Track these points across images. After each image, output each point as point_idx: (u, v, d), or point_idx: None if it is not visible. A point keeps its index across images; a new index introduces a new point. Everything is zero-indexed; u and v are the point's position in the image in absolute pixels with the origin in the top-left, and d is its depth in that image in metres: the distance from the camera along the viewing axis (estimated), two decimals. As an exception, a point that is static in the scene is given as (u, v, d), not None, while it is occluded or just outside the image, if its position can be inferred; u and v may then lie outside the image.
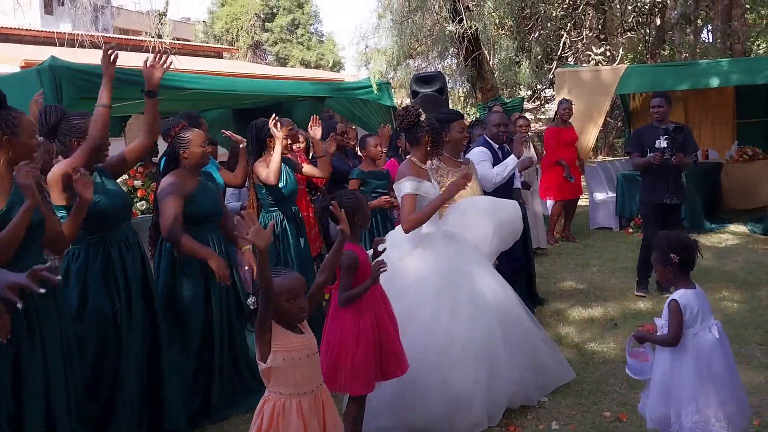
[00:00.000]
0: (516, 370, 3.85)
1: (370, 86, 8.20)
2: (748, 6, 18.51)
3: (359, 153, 6.26)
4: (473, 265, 4.01)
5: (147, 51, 10.61)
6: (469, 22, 11.12)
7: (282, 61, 35.59)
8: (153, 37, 12.55)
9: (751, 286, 6.26)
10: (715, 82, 9.16)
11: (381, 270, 3.23)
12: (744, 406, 3.12)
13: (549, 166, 8.66)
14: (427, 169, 4.20)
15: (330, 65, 36.80)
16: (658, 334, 3.15)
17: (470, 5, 11.84)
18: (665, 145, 5.90)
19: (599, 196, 9.62)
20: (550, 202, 8.83)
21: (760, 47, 24.45)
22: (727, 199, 10.09)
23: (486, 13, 12.86)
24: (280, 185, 4.78)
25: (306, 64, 35.07)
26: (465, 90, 16.05)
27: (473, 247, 4.13)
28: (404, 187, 3.96)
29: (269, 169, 4.68)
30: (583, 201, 9.60)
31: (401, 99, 14.58)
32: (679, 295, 3.09)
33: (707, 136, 10.85)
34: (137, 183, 5.98)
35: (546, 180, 8.67)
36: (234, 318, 4.19)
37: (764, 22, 23.77)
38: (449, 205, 4.34)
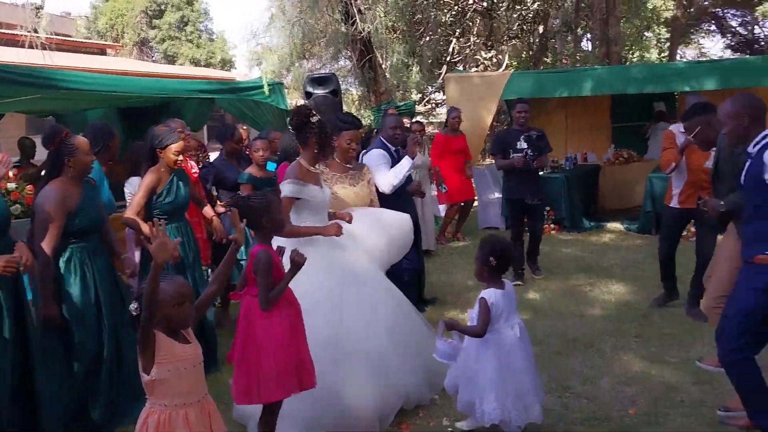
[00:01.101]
0: (409, 373, 3.90)
1: (263, 86, 8.06)
2: (623, 16, 19.64)
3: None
4: (362, 272, 4.00)
5: (22, 46, 9.99)
6: (361, 24, 11.19)
7: (170, 59, 34.49)
8: (29, 31, 11.80)
9: (628, 282, 6.65)
10: (593, 89, 9.63)
11: (303, 259, 3.20)
12: (539, 395, 3.52)
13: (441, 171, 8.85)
14: (317, 173, 4.11)
15: (221, 64, 36.01)
16: (468, 324, 3.50)
17: (362, 8, 11.93)
18: (525, 146, 6.54)
19: (487, 197, 9.93)
20: (443, 206, 9.05)
21: (635, 55, 26.09)
22: (604, 199, 10.65)
23: (378, 17, 13.00)
24: (169, 200, 4.53)
25: (195, 63, 34.15)
26: (359, 92, 16.15)
27: (362, 252, 4.12)
28: (284, 189, 3.89)
29: (131, 204, 4.48)
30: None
31: (295, 100, 14.48)
32: (489, 294, 3.45)
33: (586, 140, 11.41)
34: (11, 186, 5.59)
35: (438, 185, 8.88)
36: (122, 326, 4.01)
37: (638, 32, 25.40)
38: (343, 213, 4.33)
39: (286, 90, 9.38)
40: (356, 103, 17.20)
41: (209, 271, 5.53)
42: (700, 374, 4.36)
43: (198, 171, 5.84)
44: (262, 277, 3.15)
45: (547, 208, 9.19)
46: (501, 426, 3.43)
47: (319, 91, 8.97)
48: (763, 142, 3.32)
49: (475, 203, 9.63)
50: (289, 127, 4.93)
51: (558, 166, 9.91)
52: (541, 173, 8.67)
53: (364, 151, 5.94)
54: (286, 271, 3.26)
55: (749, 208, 3.42)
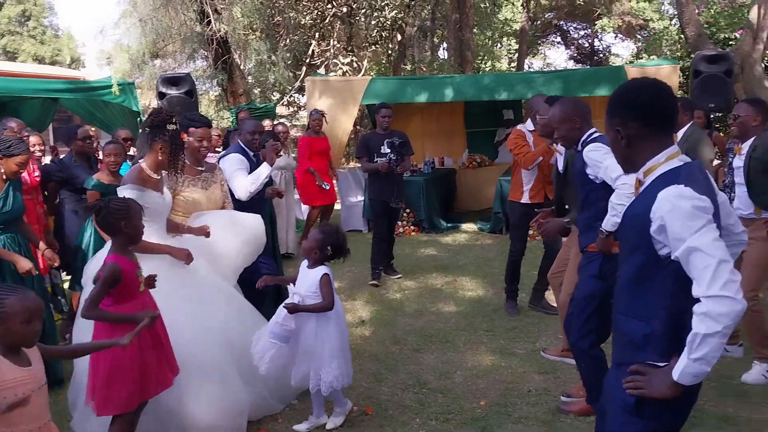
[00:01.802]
0: (253, 384, 3.84)
1: (112, 86, 7.68)
2: (476, 25, 20.54)
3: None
4: (200, 281, 3.87)
5: None
6: (218, 24, 10.94)
7: (10, 56, 31.98)
8: None
9: (480, 279, 6.95)
10: (448, 96, 10.02)
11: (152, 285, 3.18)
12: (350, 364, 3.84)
13: (303, 173, 8.83)
14: (158, 179, 3.88)
15: (68, 62, 33.86)
16: (315, 302, 3.66)
17: (218, 8, 11.67)
18: (388, 150, 6.76)
19: (350, 200, 10.03)
20: (305, 208, 9.03)
21: (487, 64, 27.37)
22: (460, 201, 11.11)
23: (235, 17, 12.77)
24: (6, 209, 4.16)
25: (39, 60, 31.88)
26: (216, 93, 15.78)
27: (203, 260, 3.99)
28: (123, 194, 3.63)
29: None
30: (336, 205, 9.93)
31: (149, 101, 13.91)
32: (326, 269, 3.74)
33: (443, 145, 11.83)
34: None
35: (301, 187, 8.84)
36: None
37: (490, 42, 26.67)
38: (191, 219, 4.20)
39: (138, 90, 9.00)
40: (214, 104, 16.79)
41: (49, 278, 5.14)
42: (545, 364, 4.63)
43: (39, 173, 5.45)
44: (97, 288, 3.01)
45: (407, 210, 9.45)
46: (331, 397, 3.74)
47: (174, 92, 8.67)
48: (588, 140, 3.60)
49: (338, 206, 9.69)
50: (142, 129, 4.72)
51: (417, 170, 10.20)
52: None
53: (222, 153, 5.79)
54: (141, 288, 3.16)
55: (579, 202, 3.69)
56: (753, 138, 4.36)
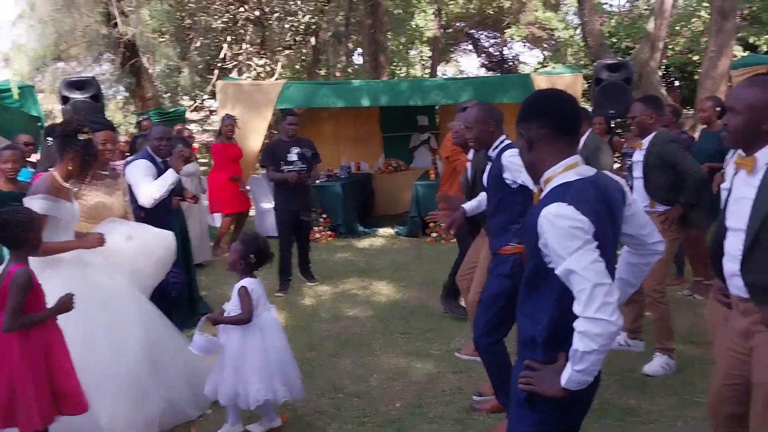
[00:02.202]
0: (168, 393, 3.75)
1: (10, 90, 7.31)
2: (389, 30, 20.75)
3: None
4: (111, 292, 3.76)
5: None
6: (124, 27, 10.60)
7: None
8: None
9: (396, 282, 7.02)
10: (363, 101, 10.08)
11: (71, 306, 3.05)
12: (297, 374, 3.76)
13: (214, 180, 8.67)
14: (69, 188, 3.77)
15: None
16: (233, 315, 3.65)
17: (125, 10, 11.31)
18: (296, 159, 6.63)
19: (265, 205, 9.91)
20: (218, 216, 8.86)
21: (402, 71, 27.70)
22: (377, 205, 11.19)
23: (143, 20, 12.41)
24: None
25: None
26: (123, 98, 15.27)
27: (113, 270, 3.88)
28: (34, 204, 3.48)
29: None
30: (251, 211, 9.80)
31: (52, 105, 13.31)
32: (247, 282, 3.70)
33: (359, 150, 11.86)
34: None
35: (214, 194, 8.67)
36: None
37: (404, 49, 27.00)
38: (98, 228, 4.05)
39: (39, 94, 8.60)
40: (121, 108, 16.25)
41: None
42: (459, 364, 4.72)
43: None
44: (15, 298, 2.88)
45: (324, 216, 9.43)
46: (259, 410, 3.67)
47: (78, 96, 8.34)
48: (502, 146, 3.71)
49: (252, 212, 9.57)
50: (47, 138, 4.53)
51: (333, 175, 10.19)
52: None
53: (129, 159, 5.61)
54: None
55: (491, 206, 3.78)
56: (652, 134, 4.59)
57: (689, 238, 5.78)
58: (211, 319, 3.65)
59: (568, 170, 2.07)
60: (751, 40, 12.59)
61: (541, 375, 2.05)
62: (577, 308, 1.92)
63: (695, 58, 12.90)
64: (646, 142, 4.60)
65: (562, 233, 1.92)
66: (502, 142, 3.75)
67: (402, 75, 26.88)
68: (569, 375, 1.96)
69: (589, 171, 2.11)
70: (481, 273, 4.26)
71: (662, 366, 4.51)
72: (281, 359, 3.66)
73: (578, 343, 1.92)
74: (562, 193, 2.00)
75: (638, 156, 4.67)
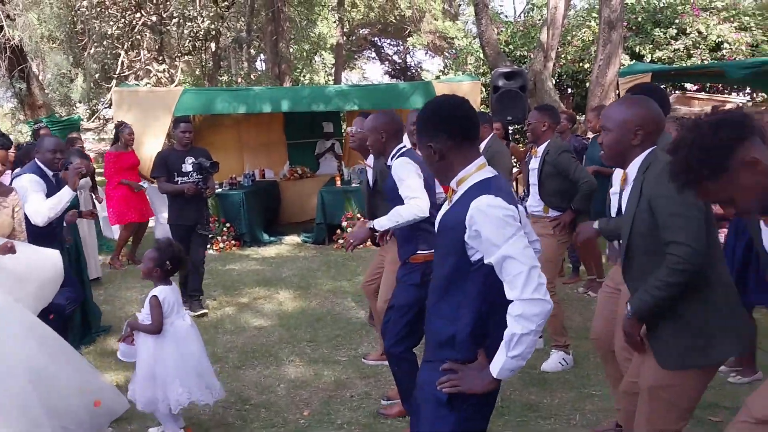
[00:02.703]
0: (60, 417, 3.57)
1: None
2: (292, 38, 20.65)
3: None
4: None
5: None
6: (11, 31, 10.05)
7: None
8: None
9: (303, 290, 6.97)
10: (265, 107, 9.97)
11: None
12: (213, 378, 3.78)
13: (112, 191, 8.35)
14: None
15: None
16: (144, 324, 3.64)
17: (12, 14, 10.74)
18: (191, 169, 6.20)
19: (164, 215, 9.61)
20: (117, 228, 8.54)
21: (306, 77, 27.62)
22: (283, 213, 11.07)
23: (31, 24, 11.81)
24: None
25: None
26: (12, 106, 14.47)
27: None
28: None
29: None
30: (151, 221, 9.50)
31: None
32: (159, 291, 3.67)
33: (263, 157, 11.72)
34: None
35: (110, 205, 8.36)
36: None
37: (307, 55, 26.94)
38: None
39: None
40: (8, 117, 15.38)
41: None
42: (366, 369, 4.75)
43: None
44: None
45: (227, 225, 9.26)
46: (163, 419, 3.65)
47: (-41, 104, 7.84)
48: (398, 155, 3.76)
49: (152, 222, 9.28)
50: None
51: (237, 183, 10.02)
52: (220, 190, 9.07)
53: (16, 173, 5.27)
54: None
55: None
56: (547, 142, 4.79)
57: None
58: (130, 325, 3.67)
59: (480, 169, 2.19)
60: (636, 50, 13.31)
61: (465, 375, 2.10)
62: (512, 293, 2.00)
63: (586, 66, 13.50)
64: (541, 150, 4.80)
65: (497, 222, 2.02)
66: (399, 150, 3.81)
67: (306, 82, 26.81)
68: (503, 363, 2.02)
69: (494, 171, 2.23)
70: (387, 279, 4.30)
71: (559, 362, 4.69)
72: (199, 365, 3.68)
73: (515, 327, 1.99)
74: (486, 187, 2.11)
75: (534, 164, 4.87)
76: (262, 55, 22.24)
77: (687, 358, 2.46)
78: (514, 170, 8.30)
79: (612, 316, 3.38)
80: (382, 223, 3.54)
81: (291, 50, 20.22)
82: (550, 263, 4.72)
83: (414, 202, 3.45)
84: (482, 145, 5.47)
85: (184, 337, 3.69)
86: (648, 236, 2.51)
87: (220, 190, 9.50)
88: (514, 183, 8.32)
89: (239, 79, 19.55)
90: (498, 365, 2.04)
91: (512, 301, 2.02)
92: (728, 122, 1.86)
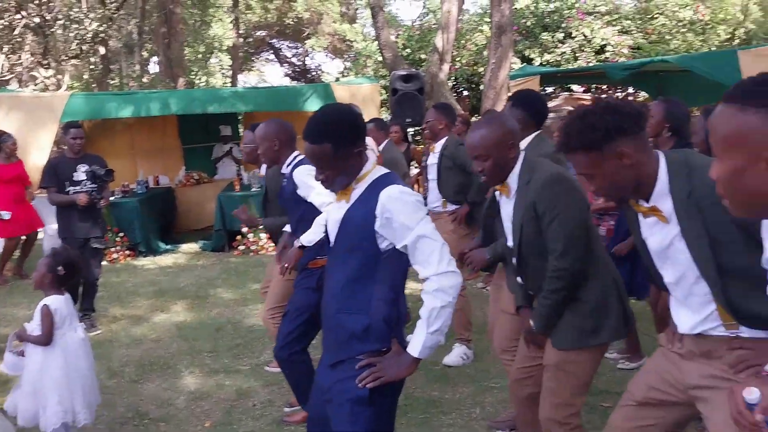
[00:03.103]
0: None
1: None
2: (186, 41, 20.12)
3: None
4: None
5: None
6: None
7: None
8: None
9: (202, 300, 6.80)
10: (156, 109, 9.65)
11: None
12: (97, 396, 3.64)
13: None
14: None
15: None
16: (33, 334, 3.46)
17: None
18: (84, 178, 5.90)
19: (53, 227, 9.14)
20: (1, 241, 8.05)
21: (202, 80, 26.99)
22: (180, 220, 10.76)
23: None
24: None
25: None
26: None
27: None
28: None
29: None
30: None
31: None
32: (50, 300, 3.49)
33: (157, 163, 11.33)
34: None
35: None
36: None
37: (202, 57, 26.33)
38: None
39: None
40: None
41: None
42: (269, 377, 4.68)
43: None
44: None
45: (121, 234, 8.91)
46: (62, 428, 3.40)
47: None
48: (293, 163, 3.74)
49: (40, 234, 8.79)
50: None
51: (129, 191, 9.66)
52: (112, 199, 8.67)
53: None
54: None
55: (293, 222, 3.80)
56: (445, 138, 4.91)
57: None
58: (18, 336, 3.47)
59: (375, 167, 2.29)
60: (526, 53, 13.84)
61: (384, 364, 2.16)
62: (428, 270, 2.12)
63: (480, 69, 13.90)
64: (438, 146, 4.91)
65: (411, 206, 2.14)
66: (295, 158, 3.77)
67: (202, 84, 26.21)
68: (423, 341, 2.11)
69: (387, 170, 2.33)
70: (274, 287, 4.28)
71: (461, 356, 4.80)
72: (84, 381, 3.50)
73: (434, 301, 2.10)
74: (390, 179, 2.22)
75: (432, 159, 4.98)
76: (155, 57, 21.53)
77: (579, 339, 2.65)
78: (415, 172, 8.43)
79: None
80: (310, 238, 3.50)
81: (185, 52, 19.68)
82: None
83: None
84: (379, 150, 5.53)
85: (75, 351, 3.51)
86: (537, 240, 2.67)
87: (112, 198, 9.13)
88: (415, 186, 8.45)
89: (131, 83, 18.86)
90: (419, 344, 2.12)
91: (427, 278, 2.13)
92: (622, 112, 1.99)
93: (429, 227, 2.14)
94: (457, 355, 4.81)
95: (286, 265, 3.62)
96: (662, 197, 2.02)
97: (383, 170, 2.29)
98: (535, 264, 2.72)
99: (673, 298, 2.14)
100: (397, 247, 2.16)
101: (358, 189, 2.25)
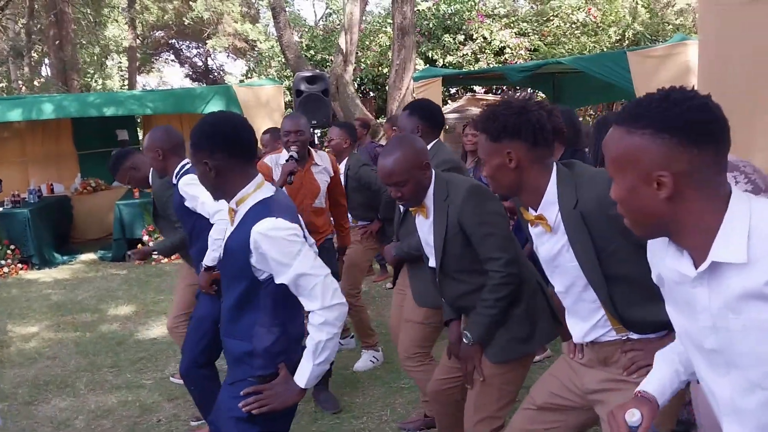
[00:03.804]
0: None
1: None
2: (79, 43, 19.25)
3: None
4: None
5: None
6: None
7: None
8: None
9: (102, 313, 6.51)
10: (48, 112, 9.16)
11: None
12: None
13: None
14: None
15: None
16: None
17: None
18: None
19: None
20: None
21: (98, 83, 25.90)
22: (77, 230, 10.25)
23: None
24: None
25: None
26: None
27: None
28: None
29: None
30: None
31: None
32: None
33: (51, 170, 10.77)
34: None
35: None
36: None
37: (98, 59, 25.26)
38: None
39: None
40: None
41: None
42: (174, 390, 4.52)
43: None
44: None
45: (12, 247, 8.42)
46: None
47: None
48: (181, 172, 3.58)
49: None
50: None
51: (20, 200, 9.12)
52: (1, 209, 8.12)
53: None
54: None
55: (188, 233, 3.68)
56: (346, 159, 4.91)
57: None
58: None
59: (259, 188, 2.16)
60: (429, 54, 14.05)
61: (272, 392, 2.10)
62: (313, 304, 2.04)
63: (385, 70, 14.01)
64: (342, 167, 4.91)
65: (282, 243, 2.02)
66: (183, 167, 3.61)
67: (98, 88, 25.15)
68: (310, 372, 2.06)
69: (273, 189, 2.21)
70: (178, 295, 4.18)
71: (370, 360, 4.81)
72: None
73: (320, 335, 2.03)
74: (266, 209, 2.08)
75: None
76: (46, 59, 20.46)
77: (515, 349, 2.60)
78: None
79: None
80: (212, 257, 3.38)
81: (79, 54, 18.82)
82: (356, 268, 4.87)
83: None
84: (281, 160, 5.43)
85: None
86: (461, 256, 2.64)
87: (1, 209, 8.63)
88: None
89: (21, 87, 17.88)
90: (305, 375, 2.07)
91: (312, 311, 2.05)
92: (528, 119, 2.04)
93: (307, 263, 2.04)
94: (366, 359, 4.82)
95: (204, 288, 3.50)
96: (549, 207, 2.08)
97: (265, 193, 2.15)
98: (458, 278, 2.69)
99: (566, 308, 2.21)
100: (276, 283, 2.08)
101: (240, 212, 2.15)
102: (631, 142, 1.34)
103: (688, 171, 1.30)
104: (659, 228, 1.41)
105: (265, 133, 5.89)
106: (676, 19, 16.32)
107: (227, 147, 2.11)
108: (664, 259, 1.49)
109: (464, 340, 2.65)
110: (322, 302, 2.03)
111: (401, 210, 3.43)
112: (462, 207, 2.58)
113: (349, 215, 4.93)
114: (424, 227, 2.80)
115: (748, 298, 1.31)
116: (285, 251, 2.02)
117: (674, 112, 1.30)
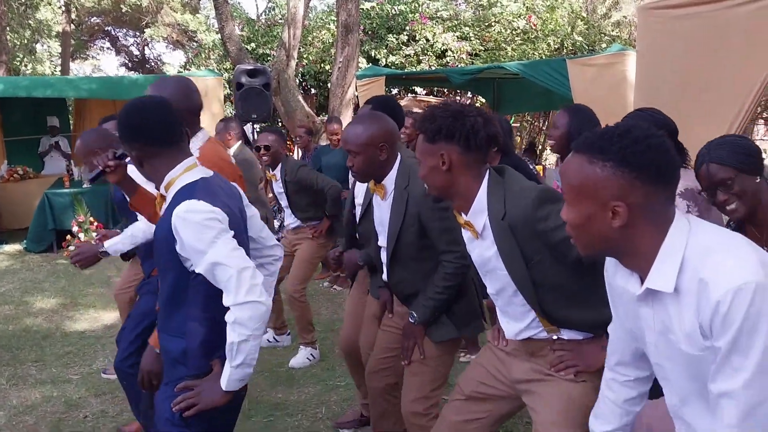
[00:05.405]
0: None
1: None
2: (8, 26, 18.47)
3: None
4: None
5: None
6: None
7: None
8: None
9: (27, 305, 6.26)
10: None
11: None
12: None
13: None
14: None
15: None
16: None
17: None
18: None
19: None
20: None
21: (28, 68, 24.92)
22: (2, 219, 9.82)
23: None
24: None
25: None
26: None
27: None
28: None
29: None
30: None
31: None
32: None
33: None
34: None
35: None
36: None
37: (28, 44, 24.30)
38: None
39: None
40: None
41: None
42: (102, 385, 4.40)
43: None
44: None
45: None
46: None
47: None
48: None
49: None
50: None
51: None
52: None
53: None
54: None
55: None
56: (280, 164, 4.87)
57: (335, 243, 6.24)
58: None
59: (188, 171, 2.08)
60: (372, 53, 14.03)
61: (200, 390, 1.99)
62: (228, 299, 1.91)
63: (327, 67, 13.92)
64: (278, 173, 4.86)
65: (197, 227, 1.91)
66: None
67: (28, 72, 24.18)
68: (229, 375, 1.94)
69: (209, 172, 2.14)
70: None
71: (307, 357, 4.78)
72: None
73: (232, 335, 1.90)
74: (189, 191, 1.99)
75: (278, 188, 4.97)
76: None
77: (449, 332, 2.74)
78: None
79: (360, 321, 3.50)
80: (117, 248, 3.26)
81: (8, 37, 18.03)
82: (306, 263, 4.87)
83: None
84: (230, 152, 5.35)
85: None
86: (415, 245, 2.72)
87: None
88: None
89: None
90: (225, 377, 1.96)
91: (228, 308, 1.93)
92: (463, 124, 2.07)
93: (223, 251, 1.91)
94: (303, 357, 4.79)
95: (78, 259, 3.34)
96: (478, 214, 2.15)
97: (195, 175, 2.06)
98: (409, 266, 2.77)
99: (498, 308, 2.29)
100: (196, 272, 1.96)
101: (168, 197, 2.06)
102: (592, 172, 1.41)
103: (643, 203, 1.39)
104: (607, 251, 1.49)
105: (221, 121, 5.77)
106: (612, 31, 16.80)
107: (142, 135, 2.05)
108: (615, 276, 1.59)
109: (410, 319, 2.74)
110: (235, 298, 1.89)
111: (354, 207, 3.41)
112: (423, 201, 2.61)
113: (297, 218, 4.90)
114: (380, 208, 2.85)
115: (678, 326, 1.40)
116: (200, 236, 1.91)
117: (635, 150, 1.37)
